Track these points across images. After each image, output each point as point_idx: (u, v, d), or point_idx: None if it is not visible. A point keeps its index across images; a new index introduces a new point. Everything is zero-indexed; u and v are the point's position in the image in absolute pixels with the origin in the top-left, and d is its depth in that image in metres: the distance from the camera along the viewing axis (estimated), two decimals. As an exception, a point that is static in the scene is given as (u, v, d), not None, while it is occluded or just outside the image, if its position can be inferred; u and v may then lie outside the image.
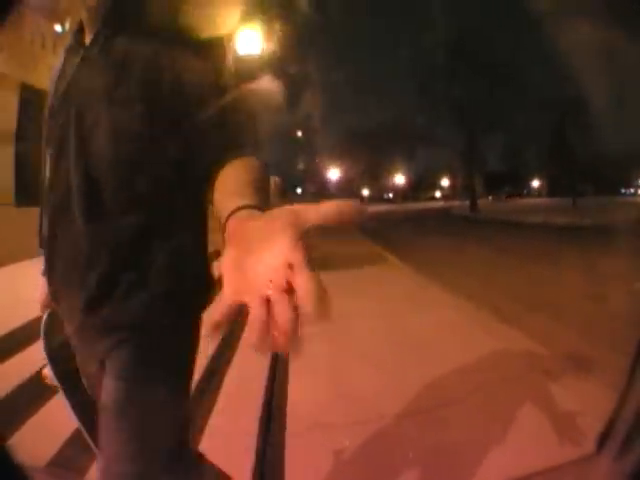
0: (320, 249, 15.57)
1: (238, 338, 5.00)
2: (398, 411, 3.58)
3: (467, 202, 47.85)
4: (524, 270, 9.75)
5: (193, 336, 1.38)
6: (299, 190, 67.80)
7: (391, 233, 21.70)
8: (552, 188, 70.35)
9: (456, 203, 56.32)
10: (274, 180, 12.52)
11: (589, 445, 1.93)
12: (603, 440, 1.46)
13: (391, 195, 76.98)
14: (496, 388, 3.87)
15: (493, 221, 30.39)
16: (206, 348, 4.32)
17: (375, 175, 70.51)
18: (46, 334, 1.56)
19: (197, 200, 1.29)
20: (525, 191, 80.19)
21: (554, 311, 6.17)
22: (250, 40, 20.97)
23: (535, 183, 78.01)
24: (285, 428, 3.42)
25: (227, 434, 3.15)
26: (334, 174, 66.04)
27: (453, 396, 3.77)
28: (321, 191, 66.96)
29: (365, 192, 74.10)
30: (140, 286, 1.28)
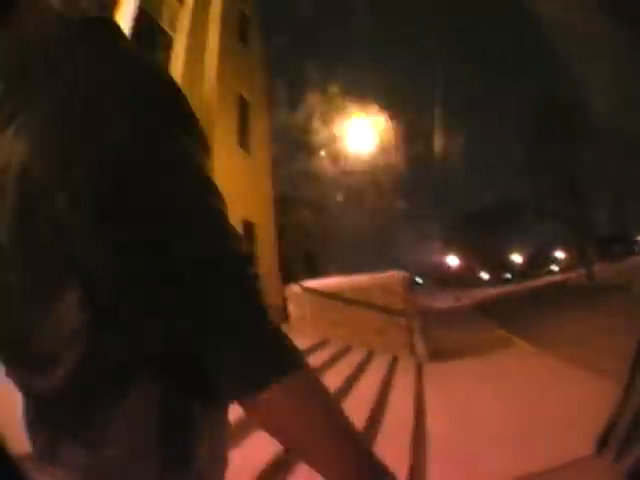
0: (445, 337, 15.47)
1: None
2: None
3: (582, 271, 45.89)
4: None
5: None
6: (420, 280, 67.21)
7: (514, 313, 21.22)
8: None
9: (572, 274, 54.02)
10: (402, 276, 12.68)
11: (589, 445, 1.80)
12: (603, 440, 1.52)
13: (509, 275, 74.88)
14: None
15: (608, 287, 29.01)
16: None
17: (492, 257, 69.10)
18: None
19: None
20: (636, 248, 75.53)
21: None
22: (362, 136, 20.95)
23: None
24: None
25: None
26: (452, 261, 65.26)
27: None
28: (441, 279, 66.08)
29: (485, 275, 72.53)
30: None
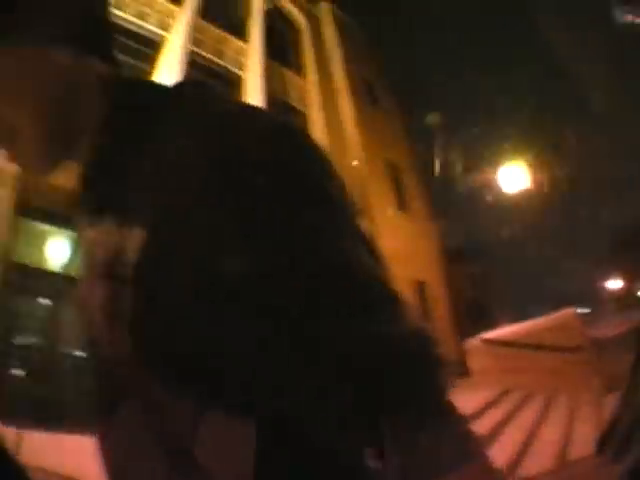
0: (619, 365, 14.33)
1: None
2: None
3: None
4: None
5: None
6: (584, 310, 62.90)
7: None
8: None
9: None
10: (573, 312, 12.88)
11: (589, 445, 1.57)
12: (603, 440, 1.45)
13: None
14: None
15: None
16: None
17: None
18: None
19: None
20: None
21: None
22: (516, 177, 20.57)
23: None
24: None
25: None
26: (614, 284, 61.17)
27: None
28: (605, 304, 62.04)
29: (641, 294, 67.11)
30: None
